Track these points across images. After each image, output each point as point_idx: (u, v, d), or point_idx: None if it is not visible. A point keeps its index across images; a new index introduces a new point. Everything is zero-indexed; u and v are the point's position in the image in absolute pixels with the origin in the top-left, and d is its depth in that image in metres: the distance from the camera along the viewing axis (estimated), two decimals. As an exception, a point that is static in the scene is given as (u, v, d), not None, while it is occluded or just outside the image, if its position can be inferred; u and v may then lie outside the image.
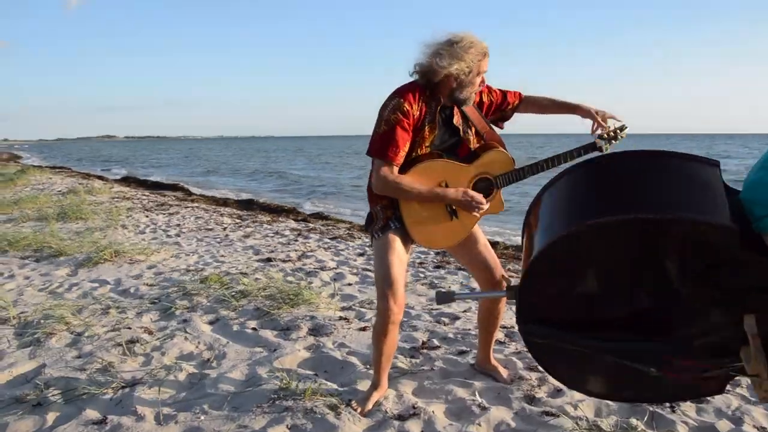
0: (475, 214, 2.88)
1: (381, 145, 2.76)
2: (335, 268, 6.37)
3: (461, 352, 3.80)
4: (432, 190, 2.79)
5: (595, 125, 2.95)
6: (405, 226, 2.88)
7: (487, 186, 2.91)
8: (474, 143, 2.95)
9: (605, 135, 2.92)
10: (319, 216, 13.05)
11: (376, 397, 3.10)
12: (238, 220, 10.61)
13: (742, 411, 3.08)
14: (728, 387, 3.27)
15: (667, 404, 3.10)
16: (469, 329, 4.29)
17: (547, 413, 3.00)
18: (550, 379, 3.38)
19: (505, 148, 2.94)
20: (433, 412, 3.02)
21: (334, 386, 3.34)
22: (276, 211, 13.82)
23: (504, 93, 3.13)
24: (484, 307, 3.31)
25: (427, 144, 2.83)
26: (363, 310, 4.77)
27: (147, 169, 36.35)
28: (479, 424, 2.90)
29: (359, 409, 3.02)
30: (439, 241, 2.95)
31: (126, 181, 24.22)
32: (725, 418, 3.01)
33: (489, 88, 3.06)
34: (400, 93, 2.78)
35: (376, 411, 3.03)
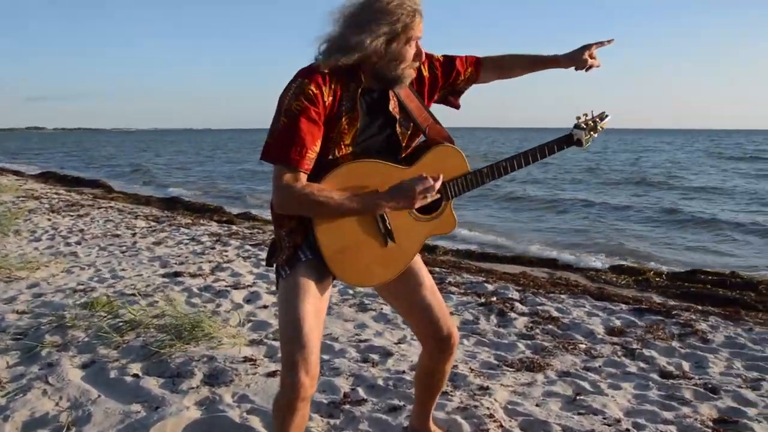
0: (415, 227, 2.13)
1: (281, 144, 1.92)
2: (250, 286, 5.51)
3: (393, 409, 3.03)
4: (358, 196, 1.97)
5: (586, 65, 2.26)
6: (322, 256, 2.05)
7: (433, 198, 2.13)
8: (407, 139, 2.17)
9: (583, 124, 2.25)
10: (246, 217, 12.13)
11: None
12: (153, 223, 9.59)
13: None
14: None
15: None
16: (403, 371, 3.53)
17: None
18: (505, 448, 2.65)
19: (454, 144, 2.18)
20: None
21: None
22: (200, 211, 12.83)
23: (450, 60, 2.29)
24: (423, 368, 2.50)
25: (347, 141, 2.03)
26: (275, 344, 3.94)
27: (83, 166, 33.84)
28: None
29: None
30: (370, 275, 2.14)
31: (44, 176, 22.52)
32: None
33: (428, 57, 2.24)
34: (306, 72, 1.97)
35: None
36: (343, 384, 3.34)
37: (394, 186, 2.00)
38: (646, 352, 4.06)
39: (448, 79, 2.27)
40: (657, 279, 7.40)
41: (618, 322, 4.75)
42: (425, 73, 2.21)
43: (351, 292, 5.30)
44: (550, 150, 2.22)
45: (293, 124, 1.90)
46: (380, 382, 3.36)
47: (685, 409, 3.15)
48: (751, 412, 3.13)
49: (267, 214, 12.91)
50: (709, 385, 3.49)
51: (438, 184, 2.04)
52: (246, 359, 3.63)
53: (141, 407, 3.07)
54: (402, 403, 3.08)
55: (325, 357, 3.74)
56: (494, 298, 5.32)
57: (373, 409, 3.04)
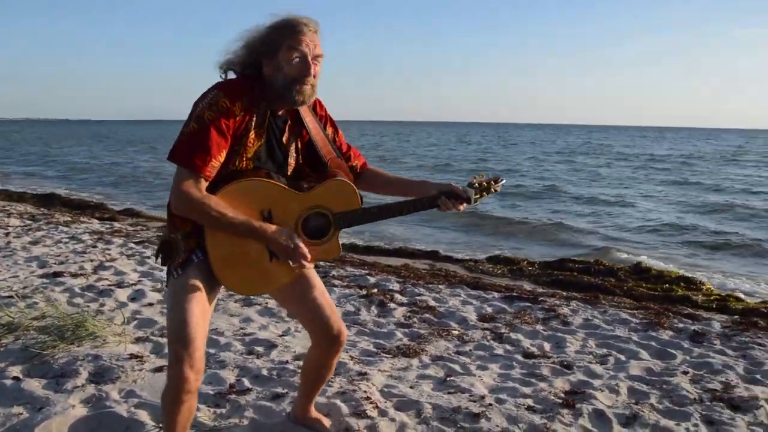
0: (291, 265, 2.24)
1: (187, 149, 2.05)
2: (135, 284, 5.49)
3: (276, 396, 3.21)
4: (248, 222, 2.11)
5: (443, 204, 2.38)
6: (209, 261, 2.20)
7: (321, 224, 2.29)
8: (293, 169, 2.34)
9: (477, 184, 2.43)
10: (129, 213, 11.83)
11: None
12: (29, 222, 9.19)
13: None
14: (571, 419, 3.00)
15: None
16: (287, 361, 3.72)
17: (377, 476, 2.50)
18: (381, 426, 2.91)
19: (352, 181, 2.34)
20: (237, 489, 2.42)
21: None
22: (80, 208, 12.37)
23: (348, 147, 2.50)
24: (311, 362, 2.67)
25: (249, 155, 2.18)
26: (162, 340, 4.00)
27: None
28: (295, 502, 2.34)
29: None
30: (252, 285, 2.30)
31: None
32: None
33: (335, 126, 2.45)
34: (222, 86, 2.13)
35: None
36: (229, 375, 3.48)
37: (284, 239, 2.14)
38: (512, 335, 4.46)
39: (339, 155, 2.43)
40: (530, 268, 7.97)
41: (489, 310, 5.14)
42: (329, 128, 2.41)
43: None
44: (438, 203, 2.36)
45: (203, 131, 2.04)
46: (264, 372, 3.53)
47: (542, 384, 3.53)
48: (596, 383, 3.56)
49: (150, 211, 12.66)
50: (565, 362, 3.91)
51: (310, 265, 2.26)
52: (132, 356, 3.68)
53: (23, 409, 3.05)
54: (285, 391, 3.27)
55: (211, 351, 3.85)
56: (375, 290, 5.59)
57: (257, 397, 3.21)
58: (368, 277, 6.18)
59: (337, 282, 5.87)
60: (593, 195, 18.14)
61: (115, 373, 3.45)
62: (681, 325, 4.79)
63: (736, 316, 5.40)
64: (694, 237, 11.53)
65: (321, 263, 6.77)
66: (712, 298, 6.47)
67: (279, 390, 3.28)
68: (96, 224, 9.34)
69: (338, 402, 3.12)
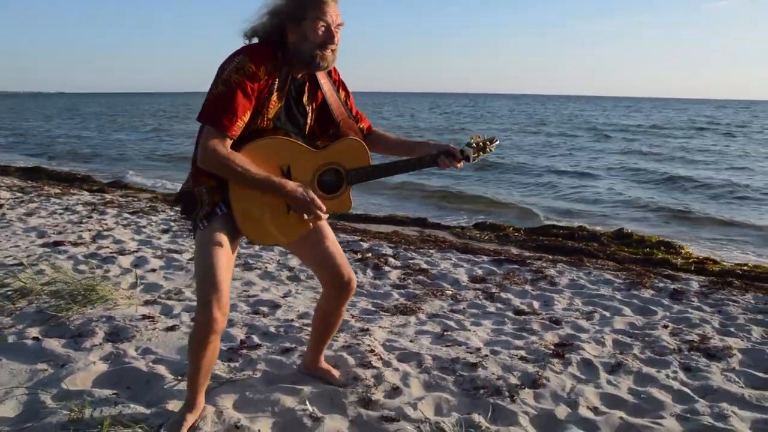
0: (306, 218, 2.44)
1: (215, 110, 2.23)
2: (136, 251, 5.65)
3: (285, 350, 3.42)
4: (268, 178, 2.31)
5: (442, 161, 2.57)
6: (233, 213, 2.39)
7: (335, 179, 2.50)
8: (310, 127, 2.53)
9: (474, 144, 2.63)
10: (117, 185, 11.89)
11: (191, 420, 2.61)
12: (19, 194, 9.25)
13: (576, 392, 3.03)
14: (561, 367, 3.23)
15: (507, 392, 2.97)
16: (292, 320, 3.93)
17: (386, 418, 2.73)
18: (386, 375, 3.13)
19: (363, 140, 2.55)
20: (259, 430, 2.62)
21: (140, 408, 2.78)
22: (67, 180, 12.40)
23: (357, 111, 2.69)
24: (322, 310, 2.88)
25: (270, 116, 2.36)
26: (170, 303, 4.20)
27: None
28: (313, 440, 2.56)
29: (170, 438, 2.53)
30: (271, 236, 2.49)
31: None
32: (562, 403, 2.94)
33: (346, 91, 2.64)
34: (248, 51, 2.29)
35: (194, 436, 2.56)
36: (239, 333, 3.68)
37: (301, 194, 2.35)
38: (503, 295, 4.70)
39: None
40: (515, 234, 8.20)
41: (480, 272, 5.38)
42: (342, 92, 2.59)
43: (243, 251, 5.58)
44: (438, 161, 2.56)
45: (230, 94, 2.21)
46: (272, 329, 3.73)
47: (533, 338, 3.77)
48: (583, 336, 3.81)
49: (139, 182, 12.73)
50: (553, 318, 4.16)
51: (324, 216, 2.45)
52: (144, 317, 3.86)
53: (47, 365, 3.24)
54: (293, 346, 3.47)
55: (219, 312, 4.05)
56: (369, 254, 5.80)
57: (268, 351, 3.41)
58: (361, 242, 6.39)
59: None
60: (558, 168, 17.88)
61: (130, 332, 3.64)
62: (661, 285, 5.07)
63: (712, 277, 5.67)
64: (656, 211, 11.55)
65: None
66: (690, 261, 6.74)
67: (287, 345, 3.49)
68: (87, 196, 9.43)
69: (345, 354, 3.33)
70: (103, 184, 11.92)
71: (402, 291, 4.74)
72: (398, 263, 5.58)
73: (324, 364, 3.11)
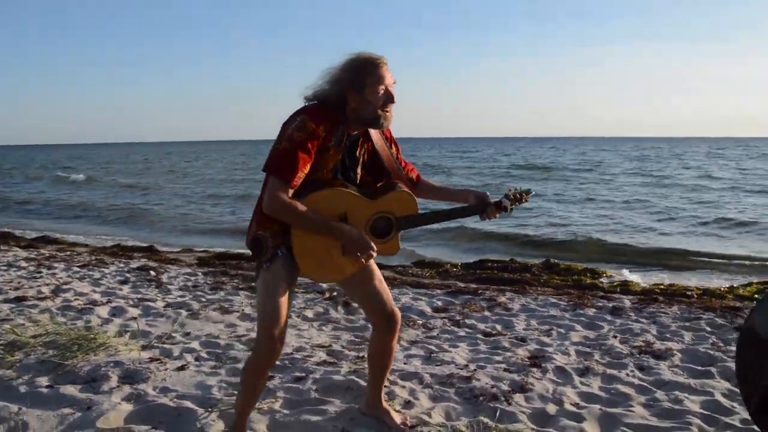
0: (360, 259, 2.75)
1: (280, 162, 2.56)
2: (107, 303, 5.78)
3: (298, 379, 3.76)
4: (328, 222, 2.64)
5: (485, 213, 2.90)
6: (293, 254, 2.69)
7: (386, 225, 2.80)
8: (361, 177, 2.85)
9: (511, 195, 2.94)
10: (45, 240, 11.66)
11: (238, 444, 2.93)
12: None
13: (558, 393, 3.55)
14: (540, 374, 3.74)
15: (502, 397, 3.44)
16: (291, 352, 4.26)
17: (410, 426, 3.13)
18: (396, 391, 3.54)
19: (411, 189, 2.89)
20: (300, 445, 2.96)
21: (183, 438, 3.06)
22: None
23: (405, 163, 3.04)
24: (375, 347, 3.11)
25: (329, 167, 2.70)
26: (166, 347, 4.43)
27: None
28: (352, 449, 2.92)
29: (225, 462, 2.82)
30: (327, 275, 2.82)
31: None
32: (550, 402, 3.44)
33: (397, 146, 2.99)
34: (307, 111, 2.63)
35: (244, 458, 2.87)
36: (247, 368, 3.97)
37: (356, 236, 2.66)
38: (467, 321, 5.20)
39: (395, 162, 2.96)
40: (454, 269, 8.77)
41: (439, 303, 5.87)
42: (393, 147, 2.95)
43: (212, 296, 5.84)
44: (480, 211, 2.91)
45: (292, 150, 2.55)
46: (278, 362, 4.04)
47: (508, 354, 4.28)
48: (549, 349, 4.36)
49: (69, 237, 12.53)
50: (519, 337, 4.69)
51: (374, 255, 2.73)
52: (152, 359, 4.09)
53: (72, 410, 3.37)
54: (303, 374, 3.82)
55: (218, 351, 4.33)
56: (335, 293, 6.18)
57: (282, 381, 3.74)
58: (321, 284, 6.75)
59: (295, 289, 6.40)
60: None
61: (143, 374, 3.85)
62: (600, 304, 5.74)
63: (640, 296, 6.41)
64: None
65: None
66: (615, 284, 7.53)
67: (298, 374, 3.83)
68: (22, 252, 9.28)
69: (354, 378, 3.71)
70: (29, 240, 11.66)
71: (376, 323, 5.15)
72: (363, 299, 5.98)
73: (385, 405, 3.26)
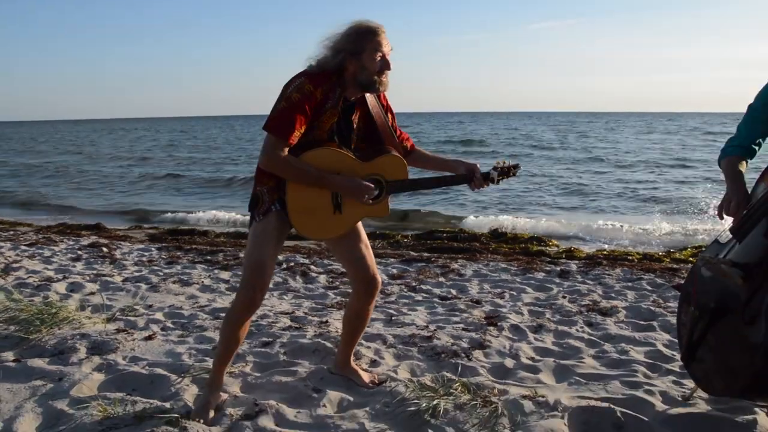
0: (359, 206, 2.86)
1: (278, 121, 2.68)
2: (63, 279, 5.75)
3: (266, 344, 3.88)
4: (323, 174, 2.74)
5: (473, 183, 3.01)
6: (286, 211, 2.80)
7: (376, 188, 2.89)
8: (355, 142, 2.94)
9: (499, 168, 3.06)
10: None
11: (214, 402, 3.01)
12: None
13: (514, 349, 3.77)
14: (497, 332, 3.96)
15: (463, 354, 3.65)
16: (255, 320, 4.36)
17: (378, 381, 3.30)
18: (362, 352, 3.70)
19: (404, 156, 2.98)
20: (275, 403, 3.08)
21: (160, 402, 3.13)
22: None
23: (400, 131, 3.13)
24: (352, 308, 3.23)
25: (324, 129, 2.80)
26: (131, 318, 4.47)
27: None
28: (324, 405, 3.06)
29: (202, 420, 2.90)
30: (317, 232, 2.92)
31: None
32: (507, 357, 3.66)
33: (392, 114, 3.08)
34: (308, 74, 2.74)
35: (222, 417, 2.96)
36: (213, 335, 4.06)
37: (354, 182, 2.79)
38: (423, 287, 5.40)
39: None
40: (405, 240, 8.97)
41: (395, 270, 6.06)
42: (389, 114, 3.04)
43: (169, 270, 5.87)
44: (472, 182, 3.01)
45: (290, 108, 2.67)
46: (252, 328, 4.15)
47: (465, 315, 4.50)
48: (503, 310, 4.60)
49: (12, 216, 12.22)
50: (474, 300, 4.92)
51: (371, 202, 2.86)
52: (119, 330, 4.13)
53: (43, 381, 3.37)
54: (270, 339, 3.94)
55: (183, 321, 4.40)
56: (292, 264, 6.29)
57: (250, 347, 3.85)
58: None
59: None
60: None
61: (112, 345, 3.89)
62: (548, 268, 6.03)
63: (585, 260, 6.74)
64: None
65: (230, 248, 7.31)
66: (560, 250, 7.87)
67: (265, 339, 3.95)
68: (-37, 233, 9.05)
69: (321, 340, 3.85)
70: (-32, 221, 11.31)
71: (336, 291, 5.31)
72: (320, 270, 6.12)
73: (353, 365, 3.38)
